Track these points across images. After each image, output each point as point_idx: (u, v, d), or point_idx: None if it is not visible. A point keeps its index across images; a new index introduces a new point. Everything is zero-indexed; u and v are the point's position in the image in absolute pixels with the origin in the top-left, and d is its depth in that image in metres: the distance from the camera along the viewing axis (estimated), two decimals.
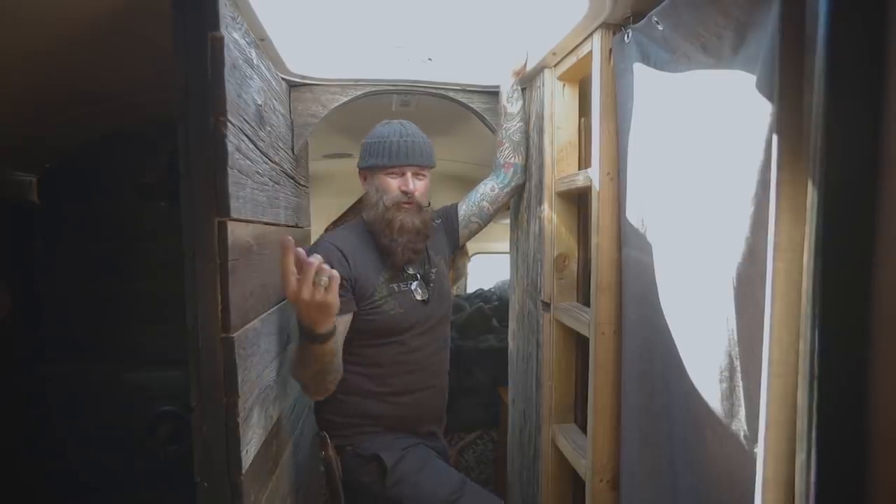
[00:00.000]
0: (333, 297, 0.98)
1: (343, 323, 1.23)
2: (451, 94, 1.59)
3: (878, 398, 0.43)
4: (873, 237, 0.43)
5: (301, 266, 0.94)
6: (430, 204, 1.39)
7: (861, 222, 0.44)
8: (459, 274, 2.96)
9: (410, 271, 1.39)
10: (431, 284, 1.41)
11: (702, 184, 0.82)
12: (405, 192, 1.32)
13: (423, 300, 1.37)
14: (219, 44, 0.86)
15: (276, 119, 1.29)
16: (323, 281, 0.95)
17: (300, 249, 0.94)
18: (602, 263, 1.13)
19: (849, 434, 0.45)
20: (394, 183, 1.33)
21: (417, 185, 1.34)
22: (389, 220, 1.32)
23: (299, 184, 1.56)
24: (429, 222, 1.38)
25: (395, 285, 1.34)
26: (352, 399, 1.32)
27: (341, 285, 1.24)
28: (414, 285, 1.38)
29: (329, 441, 1.31)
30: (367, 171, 1.37)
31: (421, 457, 1.33)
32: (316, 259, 0.94)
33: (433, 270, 1.44)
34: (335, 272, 0.97)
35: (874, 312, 0.44)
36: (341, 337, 1.23)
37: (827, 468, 0.45)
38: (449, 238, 1.54)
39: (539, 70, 1.42)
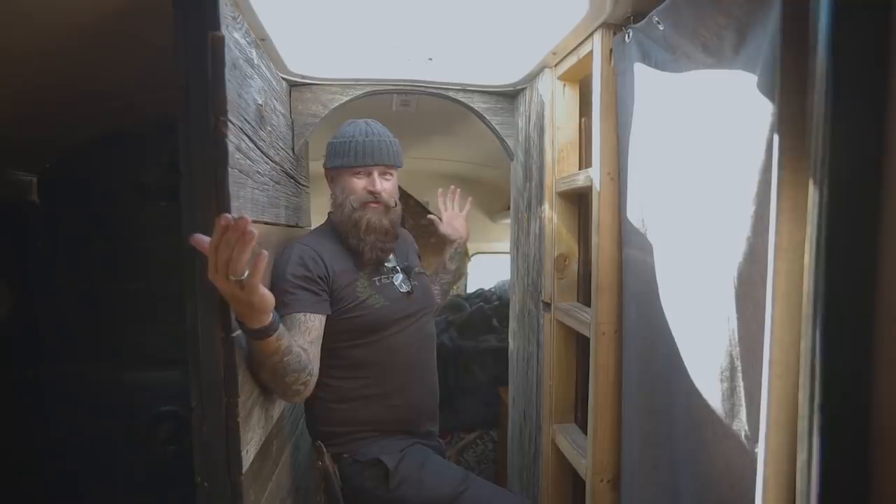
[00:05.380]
0: (254, 293, 0.86)
1: (316, 322, 1.19)
2: (451, 93, 1.59)
3: (881, 398, 0.43)
4: (876, 237, 0.43)
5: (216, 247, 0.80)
6: (397, 204, 1.36)
7: (865, 222, 0.44)
8: (459, 274, 2.97)
9: (390, 264, 1.37)
10: (414, 281, 1.39)
11: (703, 184, 0.82)
12: (371, 193, 1.30)
13: (407, 291, 1.35)
14: (219, 43, 0.86)
15: (277, 119, 1.29)
16: (242, 275, 0.82)
17: (200, 236, 0.82)
18: (603, 263, 1.13)
19: (852, 434, 0.45)
20: (360, 183, 1.30)
21: (384, 185, 1.31)
22: (356, 220, 1.29)
23: (300, 183, 1.56)
24: (397, 222, 1.35)
25: (376, 279, 1.32)
26: (343, 407, 1.29)
27: (315, 284, 1.21)
28: (398, 279, 1.36)
29: (325, 450, 1.28)
30: (332, 172, 1.35)
31: (420, 456, 1.31)
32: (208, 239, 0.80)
33: (414, 268, 1.43)
34: (262, 254, 0.83)
35: (877, 313, 0.44)
36: (316, 337, 1.18)
37: (830, 469, 0.45)
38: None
39: (539, 70, 1.42)
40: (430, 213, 3.28)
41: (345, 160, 1.31)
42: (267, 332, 0.95)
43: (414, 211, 3.26)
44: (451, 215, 1.67)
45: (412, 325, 1.36)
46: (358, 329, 1.27)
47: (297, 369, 1.07)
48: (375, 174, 1.31)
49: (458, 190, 1.70)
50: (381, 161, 1.31)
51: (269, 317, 0.94)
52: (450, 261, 1.67)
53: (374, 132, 1.32)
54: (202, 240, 0.82)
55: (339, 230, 1.34)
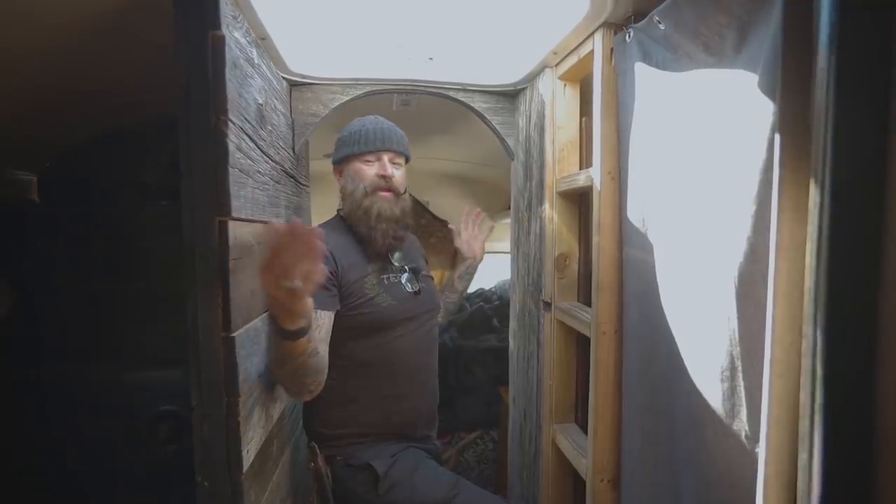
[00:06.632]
0: (300, 302, 0.88)
1: (326, 319, 1.19)
2: (451, 93, 1.59)
3: (884, 398, 0.43)
4: (878, 236, 0.43)
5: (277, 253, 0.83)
6: (406, 191, 1.37)
7: (867, 221, 0.43)
8: (464, 295, 3.02)
9: (398, 263, 1.36)
10: (421, 282, 1.39)
11: (703, 183, 0.82)
12: (383, 177, 1.30)
13: (414, 292, 1.35)
14: (220, 43, 0.86)
15: (277, 118, 1.29)
16: (294, 284, 0.84)
17: (277, 224, 0.85)
18: (603, 263, 1.13)
19: (854, 434, 0.45)
20: (370, 169, 1.31)
21: (395, 173, 1.32)
22: (367, 207, 1.29)
23: (300, 183, 1.55)
24: (408, 211, 1.36)
25: (384, 277, 1.31)
26: (342, 408, 1.28)
27: (326, 278, 1.19)
28: (404, 278, 1.35)
29: (319, 451, 1.28)
30: (342, 165, 1.36)
31: (412, 460, 1.30)
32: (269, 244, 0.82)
33: (422, 271, 1.43)
34: (321, 269, 0.85)
35: (880, 312, 0.44)
36: (326, 335, 1.19)
37: (832, 469, 0.45)
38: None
39: (540, 69, 1.42)
40: (444, 220, 3.27)
41: (354, 147, 1.31)
42: (300, 334, 0.96)
43: (413, 210, 3.26)
44: (471, 235, 1.70)
45: (419, 328, 1.35)
46: (363, 327, 1.26)
47: (318, 370, 1.08)
48: (385, 159, 1.31)
49: (484, 214, 1.74)
50: (391, 147, 1.32)
51: (306, 320, 0.95)
52: (458, 279, 1.70)
53: (382, 122, 1.35)
54: (278, 228, 0.82)
55: (350, 220, 1.33)
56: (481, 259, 1.72)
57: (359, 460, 1.26)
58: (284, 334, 0.96)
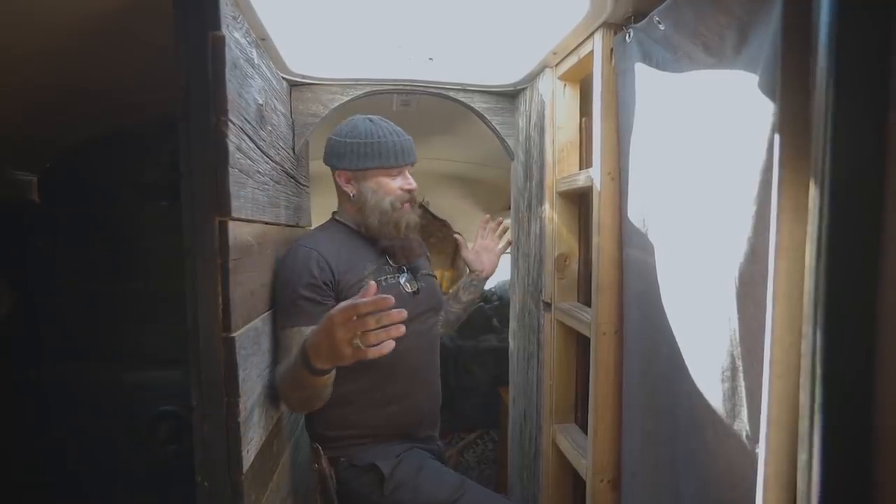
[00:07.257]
0: (355, 359, 0.94)
1: None
2: (451, 93, 1.59)
3: (883, 398, 0.43)
4: (877, 236, 0.43)
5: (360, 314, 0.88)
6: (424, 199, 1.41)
7: (866, 221, 0.44)
8: (460, 274, 2.97)
9: (395, 263, 1.35)
10: (420, 282, 1.39)
11: (703, 183, 0.82)
12: (409, 191, 1.32)
13: (413, 292, 1.35)
14: (220, 43, 0.86)
15: (277, 118, 1.29)
16: (354, 343, 0.91)
17: (374, 287, 0.90)
18: (603, 263, 1.13)
19: (853, 434, 0.45)
20: (394, 183, 1.31)
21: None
22: (397, 220, 1.31)
23: (300, 183, 1.56)
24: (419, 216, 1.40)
25: (382, 279, 1.30)
26: (343, 410, 1.27)
27: (321, 291, 1.21)
28: (403, 278, 1.35)
29: (322, 452, 1.28)
30: (356, 172, 1.31)
31: (417, 461, 1.30)
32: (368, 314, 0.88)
33: (421, 269, 1.43)
34: (390, 344, 0.92)
35: (879, 312, 0.44)
36: None
37: (831, 469, 0.45)
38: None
39: (540, 70, 1.42)
40: (444, 220, 3.25)
41: (381, 161, 1.29)
42: (327, 371, 1.04)
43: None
44: (485, 246, 1.63)
45: (420, 326, 1.34)
46: None
47: (328, 394, 1.15)
48: (407, 173, 1.33)
49: (506, 225, 1.66)
50: (413, 159, 1.34)
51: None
52: (463, 291, 1.63)
53: (397, 130, 1.33)
54: (372, 290, 0.89)
55: (374, 232, 1.32)
56: (491, 273, 1.64)
57: (363, 461, 1.26)
58: (313, 371, 1.01)
